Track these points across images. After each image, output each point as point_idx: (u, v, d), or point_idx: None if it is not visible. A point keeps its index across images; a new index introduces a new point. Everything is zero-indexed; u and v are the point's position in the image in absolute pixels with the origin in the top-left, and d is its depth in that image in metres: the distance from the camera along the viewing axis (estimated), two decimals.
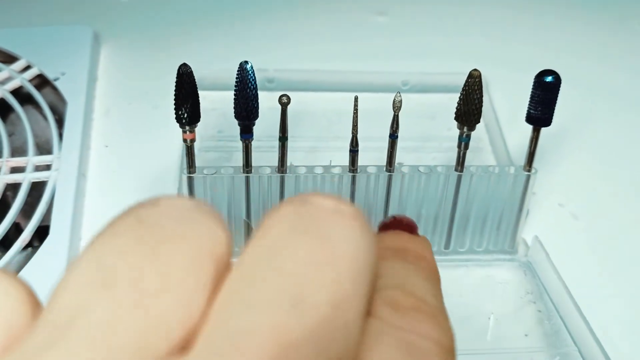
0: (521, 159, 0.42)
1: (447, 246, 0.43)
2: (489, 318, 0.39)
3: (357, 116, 0.38)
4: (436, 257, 0.42)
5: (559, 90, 0.37)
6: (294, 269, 0.14)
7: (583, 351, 0.36)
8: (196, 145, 0.48)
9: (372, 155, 0.45)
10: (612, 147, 0.52)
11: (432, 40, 0.58)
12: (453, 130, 0.40)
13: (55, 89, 0.48)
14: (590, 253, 0.44)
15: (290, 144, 0.49)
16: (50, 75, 0.48)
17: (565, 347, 0.36)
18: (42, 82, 0.49)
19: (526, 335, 0.37)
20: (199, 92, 0.52)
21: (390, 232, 0.22)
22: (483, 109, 0.52)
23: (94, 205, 0.44)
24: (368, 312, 0.16)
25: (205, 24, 0.58)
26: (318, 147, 0.49)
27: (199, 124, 0.50)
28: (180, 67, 0.36)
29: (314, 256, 0.14)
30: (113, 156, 0.47)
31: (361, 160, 0.40)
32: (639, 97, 0.56)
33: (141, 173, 0.46)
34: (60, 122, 0.46)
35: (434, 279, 0.20)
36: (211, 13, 0.59)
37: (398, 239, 0.21)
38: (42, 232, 0.41)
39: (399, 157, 0.42)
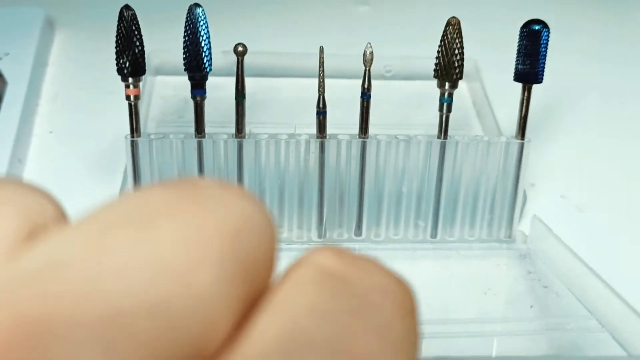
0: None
1: (433, 234, 0.39)
2: (486, 293, 0.34)
3: (323, 71, 0.35)
4: (421, 246, 0.39)
5: (547, 41, 0.35)
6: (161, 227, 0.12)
7: (604, 322, 0.31)
8: (152, 131, 0.45)
9: None
10: (620, 130, 0.48)
11: (417, 27, 0.56)
12: None
13: None
14: (599, 251, 0.40)
15: (259, 130, 0.46)
16: None
17: (584, 318, 0.31)
18: None
19: (532, 306, 0.32)
20: (160, 77, 0.50)
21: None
22: (475, 95, 0.50)
23: None
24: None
25: (171, 8, 0.56)
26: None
27: (157, 109, 0.47)
28: (122, 9, 0.33)
29: (191, 222, 0.12)
30: (57, 142, 0.44)
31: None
32: None
33: (85, 161, 0.43)
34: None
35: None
36: None
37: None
38: None
39: None
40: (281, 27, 0.57)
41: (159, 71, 0.49)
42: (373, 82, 0.36)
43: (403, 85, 0.50)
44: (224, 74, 0.45)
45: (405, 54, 0.50)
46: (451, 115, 0.37)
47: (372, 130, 0.37)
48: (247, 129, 0.36)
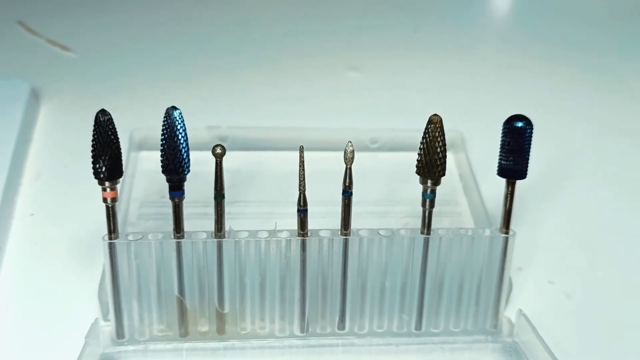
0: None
1: (418, 326, 0.38)
2: None
3: (303, 169, 0.35)
4: (406, 340, 0.38)
5: (531, 137, 0.34)
6: None
7: None
8: (134, 212, 0.45)
9: (336, 221, 0.41)
10: (608, 215, 0.48)
11: (406, 96, 0.56)
12: None
13: None
14: (588, 339, 0.39)
15: (243, 209, 0.46)
16: None
17: None
18: None
19: None
20: (144, 152, 0.49)
21: None
22: (461, 168, 0.49)
23: (9, 281, 0.40)
24: None
25: (157, 82, 0.56)
26: (275, 212, 0.46)
27: (140, 187, 0.47)
28: (98, 113, 0.33)
29: None
30: (38, 226, 0.44)
31: (323, 227, 0.37)
32: (631, 162, 0.53)
33: (67, 246, 0.42)
34: None
35: None
36: (165, 71, 0.57)
37: None
38: None
39: (366, 223, 0.38)
40: (269, 92, 0.57)
41: (142, 146, 0.49)
42: (358, 154, 0.35)
43: (389, 157, 0.50)
44: (207, 148, 0.45)
45: (392, 125, 0.50)
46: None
47: (355, 208, 0.36)
48: (227, 225, 0.36)
